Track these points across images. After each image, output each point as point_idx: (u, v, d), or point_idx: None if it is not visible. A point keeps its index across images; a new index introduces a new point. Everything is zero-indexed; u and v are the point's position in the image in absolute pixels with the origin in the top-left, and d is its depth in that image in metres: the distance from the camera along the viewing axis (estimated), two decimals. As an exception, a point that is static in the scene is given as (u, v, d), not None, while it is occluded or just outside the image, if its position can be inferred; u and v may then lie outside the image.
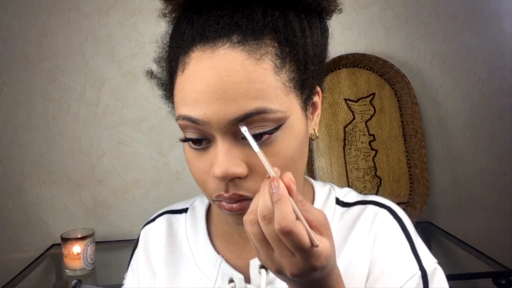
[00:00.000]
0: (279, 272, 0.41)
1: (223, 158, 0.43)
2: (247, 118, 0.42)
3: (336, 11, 0.50)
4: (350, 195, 0.59)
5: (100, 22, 1.42)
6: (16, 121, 1.42)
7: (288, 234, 0.37)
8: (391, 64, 1.42)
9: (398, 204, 1.52)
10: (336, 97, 1.45)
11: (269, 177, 0.40)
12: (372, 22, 1.47)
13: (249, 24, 0.43)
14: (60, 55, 1.41)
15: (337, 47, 1.44)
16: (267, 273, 0.53)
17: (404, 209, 1.48)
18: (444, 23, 1.48)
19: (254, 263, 0.54)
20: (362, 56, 1.43)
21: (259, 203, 0.39)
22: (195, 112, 0.43)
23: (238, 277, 0.54)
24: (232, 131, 0.43)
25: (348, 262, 0.53)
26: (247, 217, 0.40)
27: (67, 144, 1.44)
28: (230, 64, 0.41)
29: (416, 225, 1.40)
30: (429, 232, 1.44)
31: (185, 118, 0.44)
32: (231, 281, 0.54)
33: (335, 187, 0.61)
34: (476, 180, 1.53)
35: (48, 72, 1.41)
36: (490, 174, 1.53)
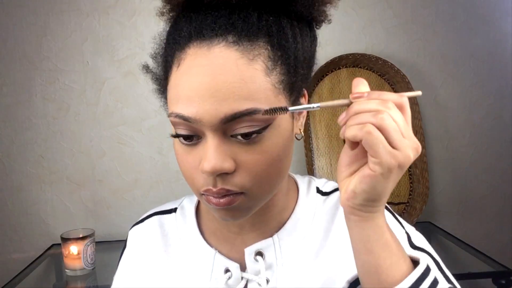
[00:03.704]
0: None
1: (212, 154, 0.44)
2: (237, 118, 0.43)
3: (326, 21, 0.52)
4: (328, 184, 0.63)
5: (100, 22, 1.42)
6: (16, 121, 1.42)
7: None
8: (391, 64, 1.42)
9: (398, 204, 1.52)
10: (336, 97, 1.45)
11: (350, 102, 0.42)
12: (372, 22, 1.47)
13: (245, 26, 0.44)
14: (60, 55, 1.41)
15: (337, 47, 1.45)
16: (264, 259, 0.55)
17: (404, 209, 1.49)
18: (444, 23, 1.48)
19: (249, 251, 0.55)
20: (362, 56, 1.43)
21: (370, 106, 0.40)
22: (188, 110, 0.44)
23: (234, 266, 0.56)
24: (222, 128, 0.45)
25: (336, 246, 0.56)
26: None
27: (67, 144, 1.44)
28: (223, 62, 0.43)
29: (416, 225, 1.40)
30: (429, 232, 1.44)
31: (178, 116, 0.45)
32: (227, 270, 0.56)
33: (314, 178, 0.64)
34: (476, 180, 1.53)
35: (48, 72, 1.41)
36: (490, 174, 1.53)
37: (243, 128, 0.44)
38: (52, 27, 1.40)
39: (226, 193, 0.46)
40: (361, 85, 0.42)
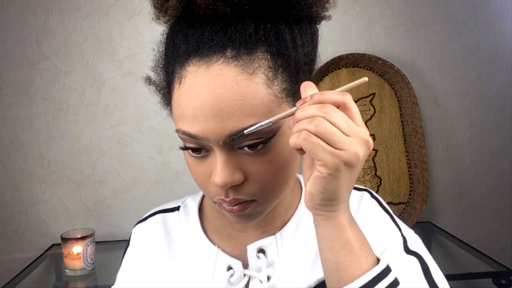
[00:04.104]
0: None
1: (221, 169, 0.46)
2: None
3: (326, 19, 0.52)
4: None
5: (100, 22, 1.42)
6: (16, 121, 1.42)
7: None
8: (391, 64, 1.42)
9: (398, 204, 1.52)
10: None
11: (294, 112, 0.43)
12: (372, 22, 1.47)
13: (242, 38, 0.44)
14: (60, 55, 1.41)
15: (337, 47, 1.45)
16: (266, 256, 0.56)
17: (404, 209, 1.49)
18: (444, 23, 1.48)
19: (251, 248, 0.56)
20: (362, 56, 1.43)
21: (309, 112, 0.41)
22: (194, 129, 0.45)
23: (236, 263, 0.56)
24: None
25: None
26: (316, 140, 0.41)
27: (67, 144, 1.44)
28: (224, 81, 0.43)
29: (416, 225, 1.41)
30: (429, 232, 1.45)
31: (185, 133, 0.46)
32: (229, 268, 0.56)
33: None
34: (476, 180, 1.53)
35: (48, 72, 1.41)
36: (490, 174, 1.53)
37: (249, 140, 0.45)
38: (52, 27, 1.40)
39: (238, 202, 0.48)
40: (308, 89, 0.44)
